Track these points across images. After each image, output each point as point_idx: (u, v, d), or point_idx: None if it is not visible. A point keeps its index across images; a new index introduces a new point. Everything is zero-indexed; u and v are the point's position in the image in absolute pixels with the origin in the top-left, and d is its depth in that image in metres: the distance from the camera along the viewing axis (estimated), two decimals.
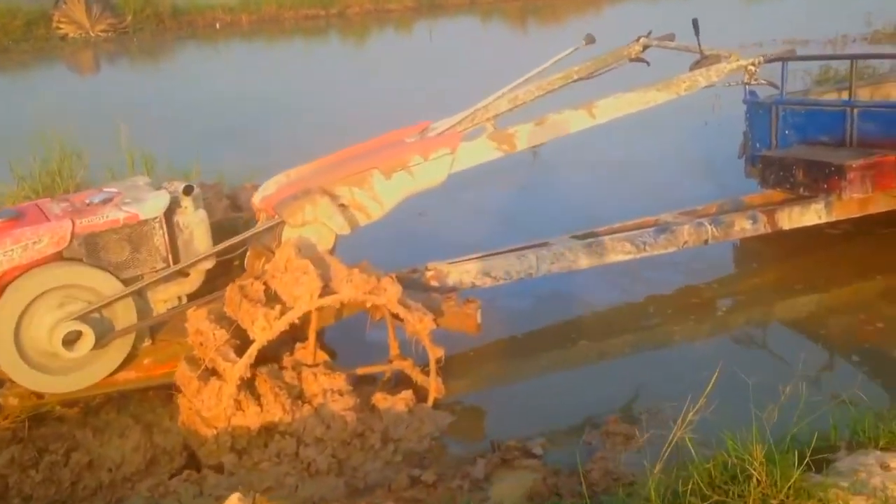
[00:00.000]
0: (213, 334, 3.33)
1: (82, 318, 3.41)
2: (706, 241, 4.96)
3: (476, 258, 4.60)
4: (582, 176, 7.56)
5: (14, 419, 3.56)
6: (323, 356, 3.75)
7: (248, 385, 3.42)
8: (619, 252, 4.76)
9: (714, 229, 4.89)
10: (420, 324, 3.64)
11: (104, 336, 3.51)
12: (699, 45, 4.69)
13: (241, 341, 3.39)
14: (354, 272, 3.47)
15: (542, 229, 5.12)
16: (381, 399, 3.69)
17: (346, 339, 4.19)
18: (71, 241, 3.39)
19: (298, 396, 3.54)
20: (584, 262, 4.70)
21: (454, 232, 6.06)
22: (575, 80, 5.02)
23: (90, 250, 3.45)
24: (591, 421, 3.62)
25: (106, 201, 3.59)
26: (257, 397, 3.42)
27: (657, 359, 4.39)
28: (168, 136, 7.70)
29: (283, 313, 3.33)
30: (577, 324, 4.73)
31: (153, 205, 3.56)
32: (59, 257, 3.40)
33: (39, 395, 3.56)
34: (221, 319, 3.50)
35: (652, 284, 5.15)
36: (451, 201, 6.77)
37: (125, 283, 3.54)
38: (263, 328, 3.28)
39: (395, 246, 5.82)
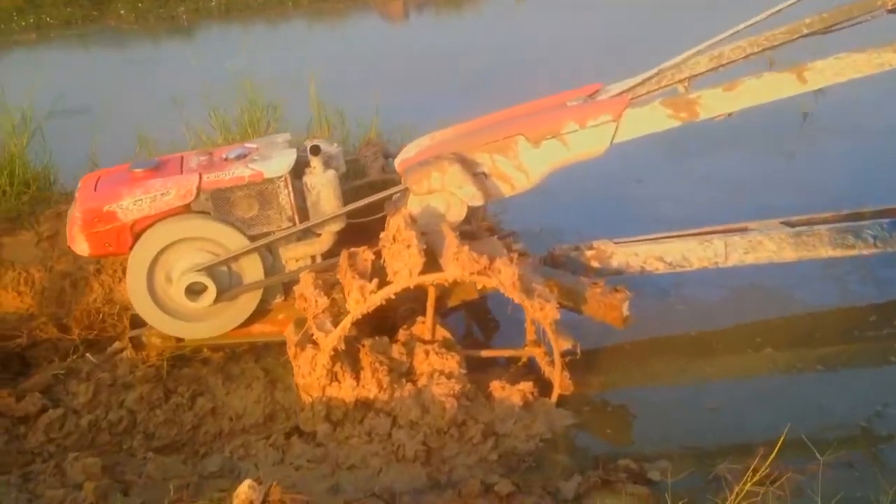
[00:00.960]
0: (316, 301, 3.22)
1: (206, 270, 3.48)
2: None
3: (650, 239, 4.05)
4: (856, 145, 6.34)
5: (158, 358, 3.77)
6: (443, 333, 3.50)
7: (352, 356, 3.29)
8: (839, 246, 3.94)
9: None
10: (541, 312, 3.24)
11: (229, 289, 3.55)
12: None
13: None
14: (463, 250, 3.15)
15: (782, 207, 4.36)
16: (497, 388, 3.38)
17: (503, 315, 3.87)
18: (198, 194, 3.45)
19: (406, 374, 3.35)
20: (790, 254, 3.95)
21: (672, 205, 5.38)
22: (805, 35, 4.15)
23: (217, 205, 3.49)
24: (744, 448, 2.99)
25: (241, 157, 3.60)
26: (359, 370, 3.27)
27: (858, 382, 3.56)
28: (396, 91, 7.74)
29: (380, 287, 3.12)
30: (770, 326, 3.97)
31: (278, 164, 3.51)
32: (187, 210, 3.48)
33: (179, 339, 3.72)
34: (334, 286, 3.39)
35: (886, 287, 4.20)
36: (677, 167, 6.13)
37: (252, 239, 3.55)
38: (357, 301, 3.10)
39: (597, 216, 5.38)
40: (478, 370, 3.52)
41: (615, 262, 3.96)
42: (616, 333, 3.74)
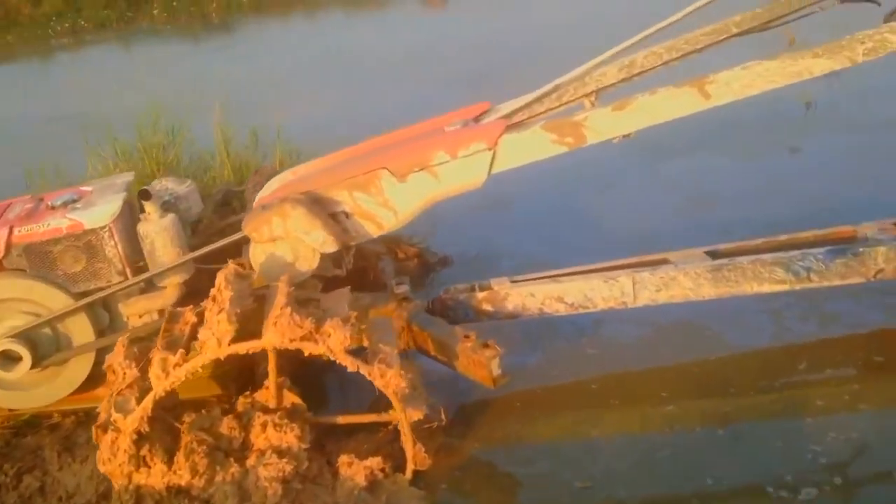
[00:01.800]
0: (124, 373, 2.80)
1: (21, 336, 3.09)
2: None
3: (550, 276, 3.55)
4: (861, 141, 5.73)
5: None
6: (292, 399, 3.05)
7: (173, 435, 2.87)
8: (767, 280, 3.40)
9: None
10: (381, 380, 2.79)
11: (51, 355, 3.16)
12: None
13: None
14: (285, 313, 2.70)
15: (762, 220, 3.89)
16: (344, 463, 2.94)
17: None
18: (8, 250, 3.06)
19: (237, 451, 2.91)
20: (709, 290, 3.43)
21: (635, 218, 4.93)
22: (735, 35, 3.63)
23: (32, 261, 3.10)
24: None
25: (66, 204, 3.20)
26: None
27: (766, 446, 3.01)
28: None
29: (185, 359, 2.69)
30: (683, 374, 3.47)
31: (101, 212, 3.11)
32: (0, 267, 3.09)
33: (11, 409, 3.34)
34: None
35: (829, 324, 3.65)
36: (651, 170, 5.61)
37: (79, 297, 3.15)
38: (158, 377, 2.68)
39: (548, 233, 4.88)
40: (347, 437, 3.08)
41: (510, 305, 3.48)
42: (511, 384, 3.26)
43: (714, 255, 3.57)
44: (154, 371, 2.68)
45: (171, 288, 3.25)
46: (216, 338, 2.66)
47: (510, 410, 3.33)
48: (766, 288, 3.41)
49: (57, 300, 3.12)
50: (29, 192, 4.15)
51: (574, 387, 3.47)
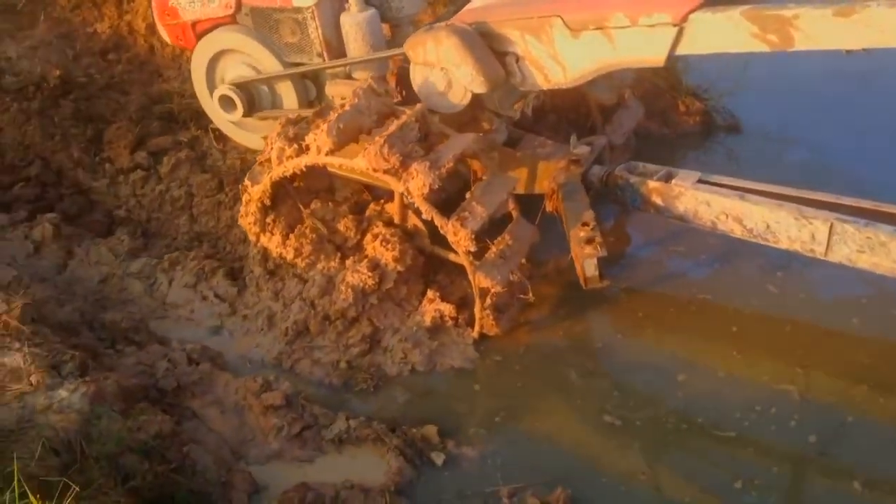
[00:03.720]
0: (270, 147, 3.12)
1: (238, 86, 3.56)
2: None
3: (738, 188, 3.02)
4: None
5: None
6: (415, 222, 3.16)
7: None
8: None
9: None
10: (454, 237, 2.76)
11: (261, 109, 3.61)
12: None
13: None
14: (377, 143, 2.73)
15: None
16: (427, 298, 3.06)
17: None
18: (238, 7, 3.44)
19: (350, 248, 3.18)
20: None
21: None
22: None
23: (257, 23, 3.44)
24: None
25: None
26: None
27: None
28: None
29: (296, 153, 2.92)
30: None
31: None
32: (233, 21, 3.52)
33: None
34: None
35: None
36: None
37: (285, 66, 3.49)
38: (274, 163, 2.97)
39: None
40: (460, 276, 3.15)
41: (681, 207, 3.08)
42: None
43: None
44: (273, 156, 2.97)
45: (361, 80, 3.42)
46: (316, 145, 2.83)
47: (632, 316, 3.06)
48: None
49: (270, 64, 3.49)
50: None
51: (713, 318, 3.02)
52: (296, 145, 2.93)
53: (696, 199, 3.03)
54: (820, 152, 3.88)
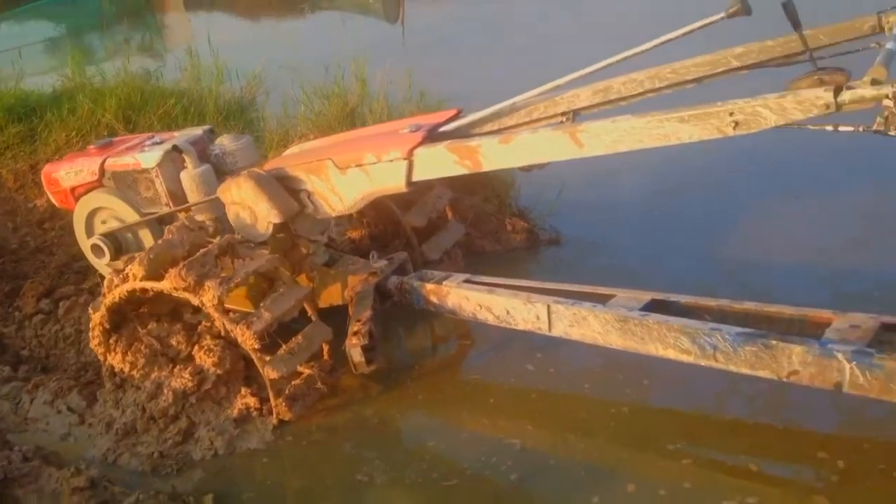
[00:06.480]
0: (110, 280, 3.75)
1: (106, 235, 4.28)
2: (838, 387, 2.71)
3: (488, 284, 3.63)
4: None
5: None
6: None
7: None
8: (671, 347, 3.09)
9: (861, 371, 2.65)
10: (241, 338, 3.35)
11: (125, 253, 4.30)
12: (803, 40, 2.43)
13: None
14: (178, 267, 3.39)
15: None
16: (241, 394, 3.60)
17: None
18: (102, 174, 4.22)
19: (181, 360, 3.75)
20: (616, 340, 3.24)
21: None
22: (735, 71, 3.16)
23: (118, 184, 4.21)
24: None
25: (154, 145, 4.23)
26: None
27: None
28: None
29: (121, 282, 3.57)
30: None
31: (150, 157, 4.04)
32: (101, 184, 4.28)
33: None
34: None
35: (797, 415, 3.09)
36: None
37: (142, 216, 4.21)
38: (104, 291, 3.61)
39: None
40: None
41: (450, 303, 3.67)
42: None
43: (660, 305, 3.24)
44: (105, 286, 3.63)
45: (208, 223, 4.12)
46: (132, 273, 3.48)
47: (412, 398, 3.58)
48: (672, 354, 3.06)
49: (132, 215, 4.23)
50: None
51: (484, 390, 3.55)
52: (121, 276, 3.59)
53: (459, 295, 3.62)
54: (618, 256, 4.49)
